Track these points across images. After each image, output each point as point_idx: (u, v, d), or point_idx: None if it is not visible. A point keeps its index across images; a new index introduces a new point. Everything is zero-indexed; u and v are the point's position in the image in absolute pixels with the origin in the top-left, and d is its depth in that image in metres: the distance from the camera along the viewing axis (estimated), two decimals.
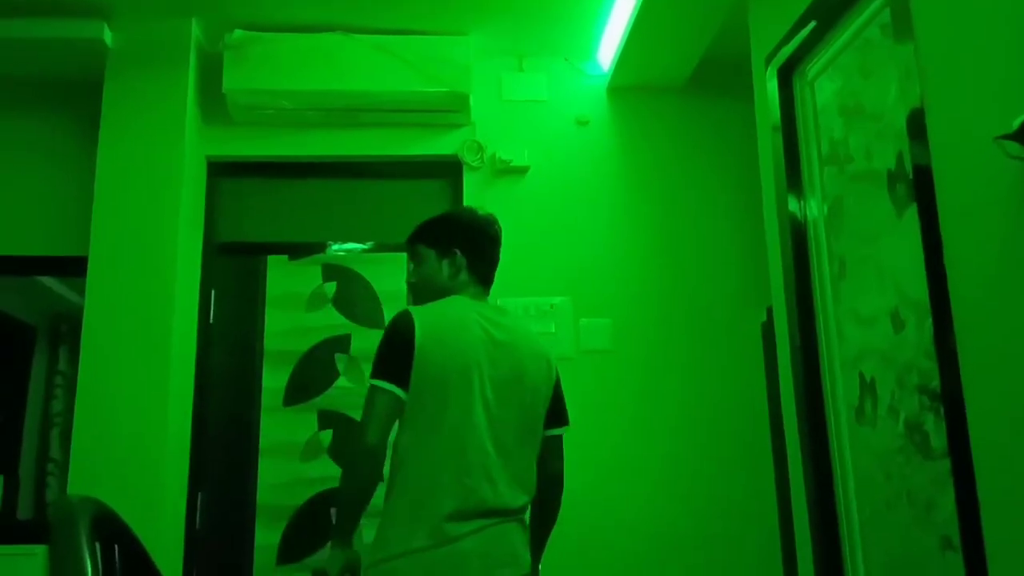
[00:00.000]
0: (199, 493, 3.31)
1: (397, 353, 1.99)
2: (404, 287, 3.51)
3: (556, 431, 2.20)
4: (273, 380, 3.44)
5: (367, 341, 3.48)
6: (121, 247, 3.17)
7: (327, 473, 3.34)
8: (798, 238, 2.69)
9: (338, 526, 1.97)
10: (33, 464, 3.30)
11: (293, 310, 3.52)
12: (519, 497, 2.02)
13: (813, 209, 2.65)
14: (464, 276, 2.21)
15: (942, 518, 1.99)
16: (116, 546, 0.91)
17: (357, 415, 3.30)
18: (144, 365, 3.08)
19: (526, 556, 2.03)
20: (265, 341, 3.48)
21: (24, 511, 3.24)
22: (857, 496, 2.42)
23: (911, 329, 2.12)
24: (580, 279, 3.75)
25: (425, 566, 1.86)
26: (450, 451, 1.95)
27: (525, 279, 3.66)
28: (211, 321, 3.47)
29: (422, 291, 2.23)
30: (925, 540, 2.06)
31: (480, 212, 2.32)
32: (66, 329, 3.44)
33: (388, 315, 3.51)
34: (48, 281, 3.49)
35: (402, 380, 1.97)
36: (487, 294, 2.28)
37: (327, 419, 3.40)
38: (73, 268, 3.28)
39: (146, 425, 3.03)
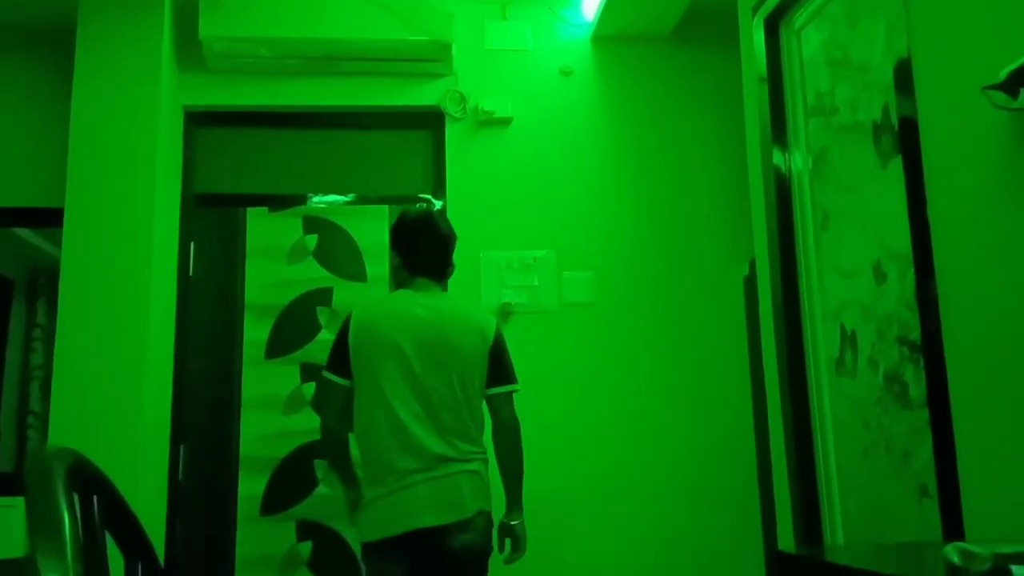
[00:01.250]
0: (181, 445, 3.31)
1: (338, 349, 2.52)
2: (386, 240, 3.50)
3: (498, 389, 2.58)
4: (255, 333, 3.42)
5: (349, 294, 3.46)
6: (97, 198, 3.12)
7: (310, 425, 3.34)
8: (782, 190, 2.68)
9: (338, 478, 2.67)
10: (13, 417, 3.29)
11: (274, 262, 3.48)
12: (458, 447, 2.45)
13: (798, 161, 2.64)
14: (403, 272, 2.64)
15: (919, 466, 2.01)
16: (95, 496, 0.90)
17: None
18: (123, 317, 3.05)
19: (471, 502, 2.42)
20: (246, 294, 3.45)
21: (5, 464, 3.24)
22: (835, 446, 2.45)
23: (893, 281, 2.13)
24: (563, 232, 3.73)
25: (387, 506, 2.37)
26: (386, 418, 2.41)
27: (507, 232, 3.64)
28: (191, 274, 3.43)
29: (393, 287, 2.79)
30: (902, 488, 2.09)
31: (412, 212, 2.69)
32: (44, 282, 3.40)
33: (370, 268, 3.50)
34: (25, 234, 3.44)
35: (343, 371, 2.50)
36: (437, 281, 2.64)
37: (310, 372, 3.39)
38: (49, 219, 3.23)
39: (126, 378, 3.02)
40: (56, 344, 3.03)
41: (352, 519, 2.59)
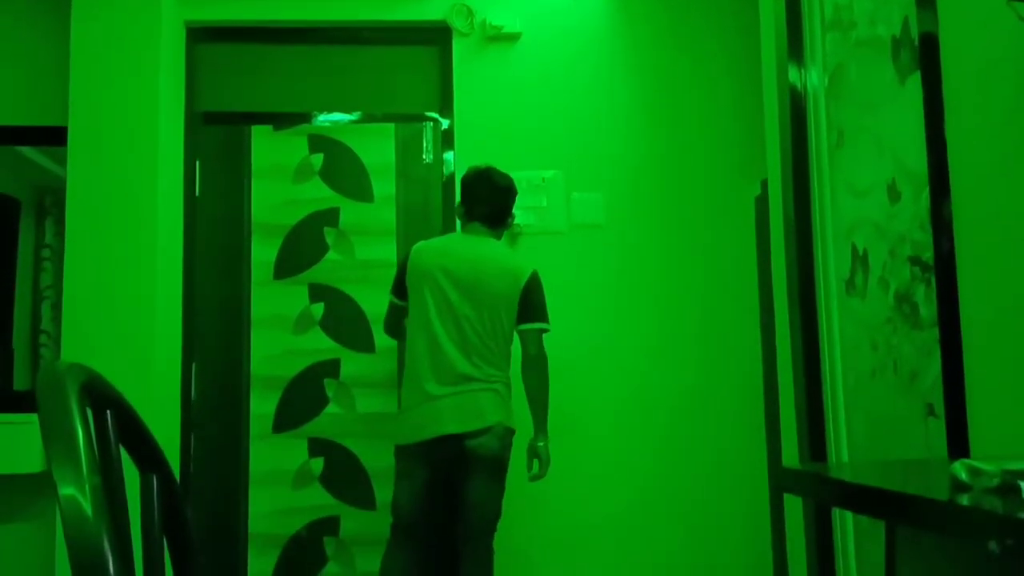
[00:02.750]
0: (193, 364, 3.35)
1: (398, 274, 3.01)
2: (392, 159, 3.47)
3: (526, 326, 2.95)
4: (262, 253, 3.42)
5: (356, 215, 3.45)
6: (100, 116, 3.08)
7: (319, 345, 3.37)
8: (797, 108, 2.63)
9: None
10: (26, 337, 3.32)
11: (280, 182, 3.46)
12: (483, 369, 2.85)
13: (814, 78, 2.58)
14: (463, 219, 3.08)
15: (926, 386, 2.02)
16: (108, 412, 0.90)
17: (347, 288, 3.39)
18: (131, 236, 3.05)
19: (491, 415, 2.82)
20: (253, 214, 3.44)
21: (20, 382, 3.28)
22: (843, 365, 2.46)
23: (907, 200, 2.10)
24: (572, 152, 3.69)
25: (418, 416, 2.81)
26: (425, 336, 2.83)
27: (516, 152, 3.59)
28: (197, 193, 3.41)
29: None
30: (908, 407, 2.11)
31: (476, 166, 3.09)
32: (51, 202, 3.38)
33: (376, 188, 3.47)
34: (30, 153, 3.41)
35: (399, 293, 2.99)
36: (490, 228, 3.04)
37: (318, 292, 3.40)
38: (53, 138, 3.19)
39: (136, 297, 3.03)
40: (65, 264, 3.03)
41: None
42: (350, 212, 3.45)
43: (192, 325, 3.36)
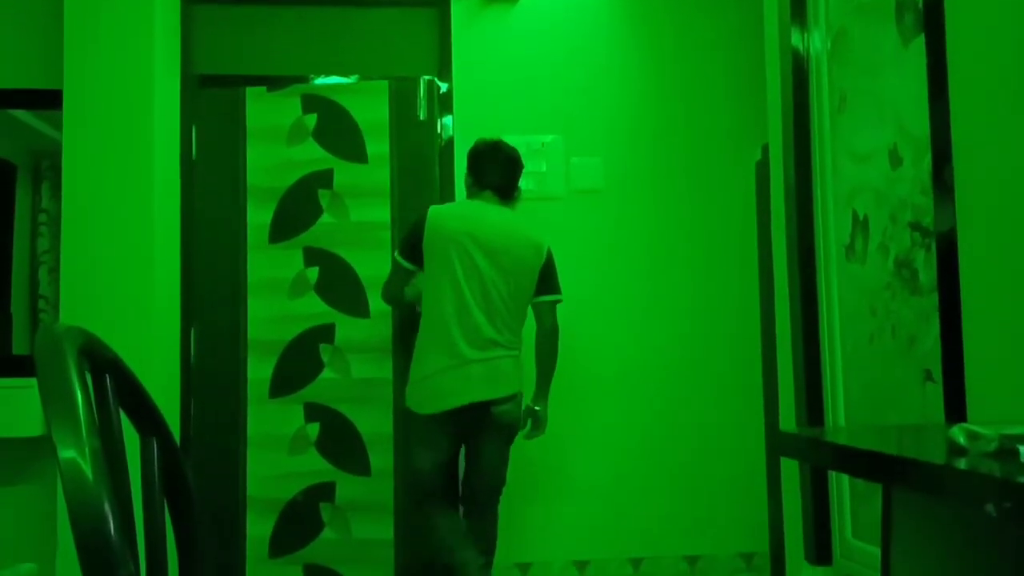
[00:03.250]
0: (192, 328, 3.34)
1: (411, 238, 2.94)
2: (386, 117, 3.42)
3: (544, 298, 3.00)
4: (258, 216, 3.39)
5: (350, 176, 3.40)
6: (96, 78, 3.05)
7: (314, 310, 3.35)
8: (799, 72, 2.61)
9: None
10: (24, 302, 3.31)
11: (274, 144, 3.41)
12: (505, 335, 2.88)
13: (816, 41, 2.56)
14: (474, 189, 3.06)
15: (924, 351, 2.03)
16: (107, 375, 0.90)
17: (343, 251, 3.36)
18: (128, 200, 3.02)
19: (515, 383, 2.90)
20: (248, 177, 3.40)
21: (19, 346, 3.28)
22: (841, 330, 2.47)
23: (908, 165, 2.09)
24: (571, 116, 3.66)
25: (447, 381, 2.80)
26: (454, 298, 2.82)
27: (515, 116, 3.57)
28: (194, 157, 3.39)
29: None
30: (906, 372, 2.11)
31: (487, 140, 3.08)
32: (47, 166, 3.36)
33: (370, 147, 3.41)
34: (25, 117, 3.37)
35: (413, 257, 2.93)
36: (501, 199, 3.03)
37: (313, 256, 3.38)
38: (48, 101, 3.16)
39: (134, 261, 3.02)
40: (62, 228, 3.02)
41: (407, 391, 2.92)
42: (344, 173, 3.40)
43: (191, 289, 3.35)
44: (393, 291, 3.07)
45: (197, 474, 3.28)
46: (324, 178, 3.40)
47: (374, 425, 3.29)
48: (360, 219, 3.39)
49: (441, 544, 2.81)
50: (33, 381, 2.94)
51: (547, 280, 3.01)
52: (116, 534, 0.63)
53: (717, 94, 3.69)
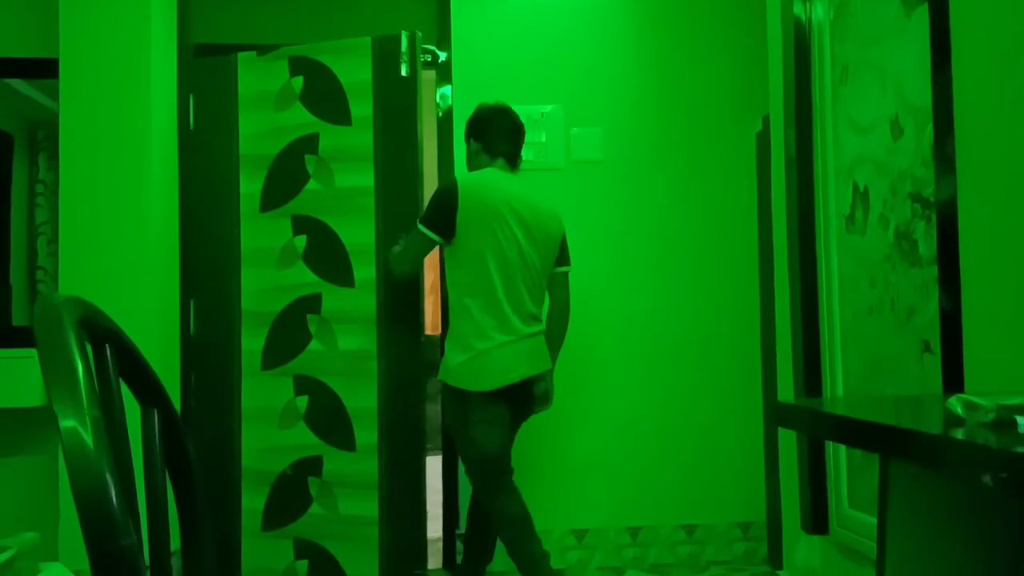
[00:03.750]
0: (191, 300, 3.33)
1: (441, 209, 2.81)
2: (369, 76, 3.22)
3: (562, 268, 3.01)
4: (250, 185, 3.30)
5: (335, 139, 3.25)
6: (92, 47, 3.02)
7: (303, 279, 3.25)
8: (801, 43, 2.59)
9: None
10: (23, 272, 3.31)
11: (264, 110, 3.28)
12: (539, 310, 2.90)
13: (819, 11, 2.53)
14: (483, 156, 2.96)
15: (923, 323, 2.03)
16: (107, 346, 0.90)
17: (328, 219, 3.23)
18: (126, 170, 3.01)
19: (549, 359, 2.93)
20: (240, 145, 3.32)
21: (17, 318, 3.28)
22: (840, 302, 2.47)
23: (909, 136, 2.08)
24: (571, 86, 3.64)
25: (501, 357, 2.76)
26: (500, 273, 2.77)
27: (515, 86, 3.54)
28: (191, 126, 3.35)
29: (471, 171, 3.02)
30: (904, 344, 2.12)
31: (489, 103, 3.00)
32: (44, 136, 3.34)
33: (354, 109, 3.25)
34: (21, 87, 3.35)
35: (442, 229, 2.80)
36: (513, 165, 2.98)
37: (301, 224, 3.26)
38: (44, 70, 3.13)
39: (132, 231, 3.01)
40: (60, 199, 3.01)
41: (455, 370, 2.83)
42: (329, 137, 3.26)
43: (189, 261, 3.32)
44: (412, 264, 2.96)
45: (197, 446, 3.25)
46: (311, 143, 3.27)
47: (359, 399, 3.17)
48: (345, 185, 3.24)
49: (512, 527, 2.77)
50: (33, 352, 2.94)
51: (564, 251, 3.01)
52: (118, 503, 0.63)
53: (718, 64, 3.67)
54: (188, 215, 3.33)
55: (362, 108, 3.24)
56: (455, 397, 2.86)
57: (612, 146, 3.65)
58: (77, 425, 0.64)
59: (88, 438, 0.64)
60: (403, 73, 3.20)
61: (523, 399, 2.86)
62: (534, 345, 2.83)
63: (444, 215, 2.80)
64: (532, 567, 2.75)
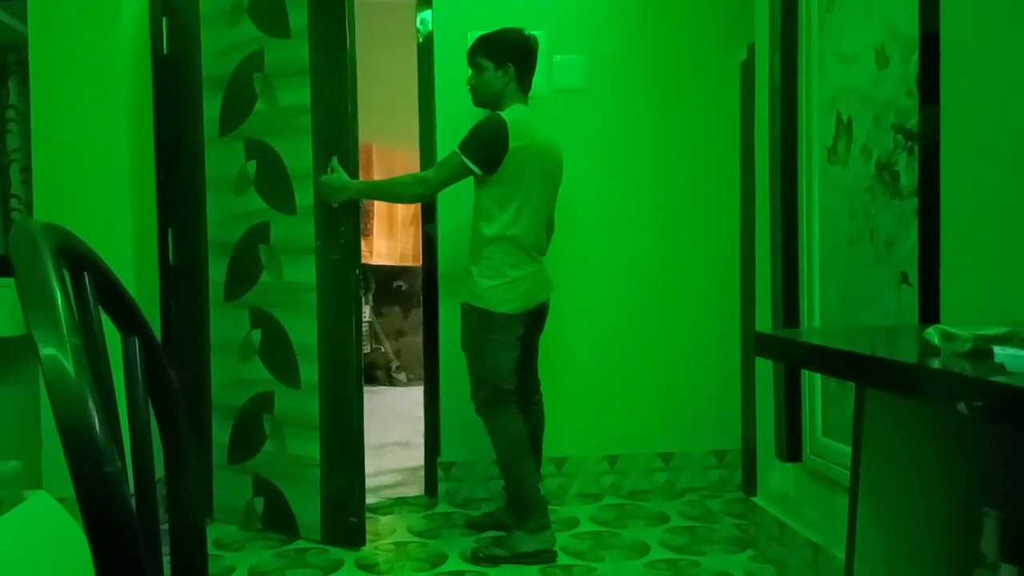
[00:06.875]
0: (170, 228, 3.29)
1: (491, 146, 2.83)
2: None
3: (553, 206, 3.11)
4: (211, 110, 3.21)
5: (276, 53, 3.06)
6: None
7: (254, 207, 3.14)
8: None
9: (371, 188, 3.19)
10: None
11: (220, 27, 3.17)
12: (546, 243, 3.08)
13: None
14: (514, 86, 2.95)
15: (902, 255, 2.05)
16: (86, 273, 0.89)
17: (273, 141, 3.06)
18: (99, 93, 2.94)
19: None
20: (203, 66, 3.22)
21: None
22: (820, 233, 2.48)
23: (895, 66, 2.07)
24: (554, 12, 3.57)
25: (531, 284, 2.94)
26: (535, 209, 2.92)
27: (496, 10, 3.47)
28: (164, 51, 3.27)
29: (480, 94, 3.00)
30: (882, 275, 2.13)
31: (521, 32, 2.98)
32: (13, 60, 3.24)
33: (292, 19, 3.02)
34: None
35: (486, 165, 2.84)
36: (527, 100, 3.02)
37: (252, 148, 3.14)
38: None
39: (107, 157, 2.95)
40: (32, 126, 2.94)
41: (484, 294, 2.90)
42: (272, 51, 3.08)
43: (166, 189, 3.27)
44: (436, 189, 2.97)
45: (178, 375, 3.23)
46: (257, 60, 3.10)
47: (303, 334, 3.06)
48: (285, 103, 3.06)
49: (512, 447, 2.88)
50: (9, 281, 2.91)
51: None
52: (101, 430, 0.63)
53: None
54: (163, 140, 3.26)
55: (299, 17, 3.01)
56: (480, 317, 2.90)
57: (595, 75, 3.60)
58: (58, 353, 0.64)
59: (69, 365, 0.63)
60: None
61: (536, 320, 3.05)
62: (547, 274, 3.04)
63: (495, 151, 2.83)
64: (523, 484, 2.88)
